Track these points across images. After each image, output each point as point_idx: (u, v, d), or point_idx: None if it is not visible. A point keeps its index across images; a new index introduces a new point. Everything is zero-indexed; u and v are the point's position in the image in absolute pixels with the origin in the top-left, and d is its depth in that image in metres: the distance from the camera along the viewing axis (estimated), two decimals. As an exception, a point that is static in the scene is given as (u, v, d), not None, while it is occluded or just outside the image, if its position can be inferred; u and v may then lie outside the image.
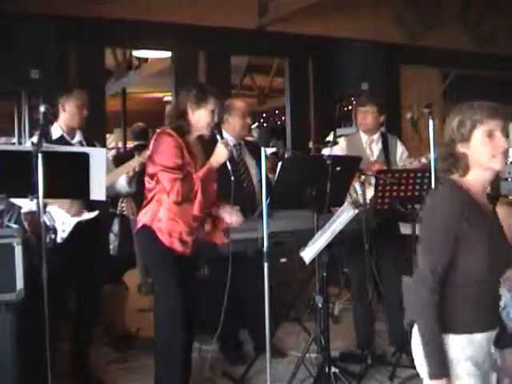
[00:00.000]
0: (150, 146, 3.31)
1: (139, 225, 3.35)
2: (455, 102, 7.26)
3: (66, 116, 3.81)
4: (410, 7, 6.59)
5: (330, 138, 3.61)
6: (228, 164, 3.39)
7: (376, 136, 4.35)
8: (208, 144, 3.50)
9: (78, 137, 3.87)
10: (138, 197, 4.76)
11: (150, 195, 3.32)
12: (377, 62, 5.85)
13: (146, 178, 3.35)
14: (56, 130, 3.82)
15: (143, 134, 5.85)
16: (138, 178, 3.82)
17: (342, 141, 4.42)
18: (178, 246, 3.29)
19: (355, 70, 5.74)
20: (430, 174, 3.87)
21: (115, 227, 5.49)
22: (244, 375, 3.93)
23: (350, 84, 5.79)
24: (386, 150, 4.32)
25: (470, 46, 6.89)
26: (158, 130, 3.32)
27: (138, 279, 4.59)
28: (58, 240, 3.46)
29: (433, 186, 3.84)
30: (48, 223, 3.41)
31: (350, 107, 7.05)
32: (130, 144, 8.76)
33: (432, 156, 3.87)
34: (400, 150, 4.34)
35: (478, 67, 6.99)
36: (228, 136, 4.12)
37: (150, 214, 3.29)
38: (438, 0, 6.66)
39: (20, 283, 3.10)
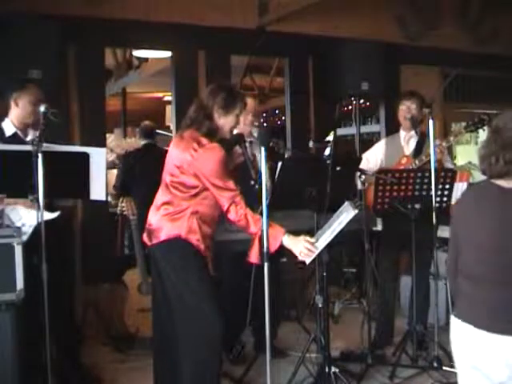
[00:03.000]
0: (195, 158, 3.10)
1: (170, 234, 3.16)
2: (455, 102, 7.29)
3: (19, 112, 3.67)
4: (410, 7, 6.58)
5: (330, 137, 3.62)
6: (251, 171, 3.36)
7: (414, 132, 4.35)
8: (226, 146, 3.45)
9: (32, 135, 3.69)
10: (138, 196, 4.80)
11: (183, 204, 3.17)
12: (377, 61, 5.85)
13: (176, 185, 3.18)
14: (8, 127, 3.68)
15: (152, 133, 5.84)
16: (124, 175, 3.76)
17: (381, 142, 4.58)
18: (207, 252, 3.23)
19: (355, 69, 5.73)
20: (430, 173, 3.87)
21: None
22: (244, 375, 3.94)
23: (350, 84, 5.79)
24: (419, 146, 4.33)
25: (470, 46, 6.88)
26: (203, 141, 3.13)
27: (138, 279, 4.60)
28: None
29: (433, 185, 3.86)
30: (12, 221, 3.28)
31: (349, 107, 7.05)
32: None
33: (432, 155, 3.88)
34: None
35: (478, 67, 6.98)
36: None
37: (185, 225, 3.13)
38: (438, 0, 6.66)
39: (20, 283, 3.09)
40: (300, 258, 3.15)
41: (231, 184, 3.14)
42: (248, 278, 3.91)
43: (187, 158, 3.13)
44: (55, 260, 3.55)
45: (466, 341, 2.17)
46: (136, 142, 3.65)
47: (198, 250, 3.16)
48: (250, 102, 4.25)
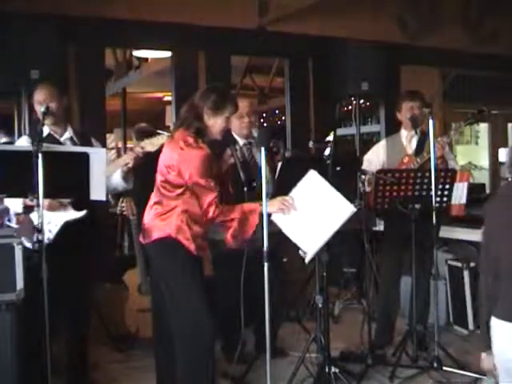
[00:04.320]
0: (180, 156, 3.16)
1: (161, 234, 3.19)
2: (455, 102, 7.29)
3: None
4: (410, 7, 6.59)
5: (330, 137, 3.61)
6: (241, 173, 3.36)
7: (414, 131, 4.34)
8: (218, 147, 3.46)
9: (68, 133, 3.76)
10: (138, 196, 4.79)
11: (171, 203, 3.20)
12: (377, 61, 5.85)
13: (164, 185, 3.23)
14: (46, 128, 3.70)
15: (149, 134, 5.83)
16: (136, 173, 3.76)
17: (381, 143, 4.58)
18: (199, 252, 3.24)
19: (355, 69, 5.74)
20: (430, 173, 3.87)
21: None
22: (244, 375, 3.93)
23: (350, 84, 5.79)
24: (420, 144, 4.32)
25: (470, 46, 6.88)
26: (189, 141, 3.17)
27: (138, 279, 4.60)
28: (45, 241, 3.25)
29: (433, 185, 3.86)
30: (35, 223, 3.32)
31: (349, 107, 7.05)
32: (131, 144, 8.79)
33: (432, 155, 3.88)
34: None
35: (478, 67, 6.99)
36: (236, 136, 4.13)
37: (174, 224, 3.17)
38: (438, 0, 6.66)
39: (20, 283, 3.10)
40: (278, 216, 3.25)
41: (213, 185, 3.17)
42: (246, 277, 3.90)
43: (174, 157, 3.19)
44: (74, 262, 3.59)
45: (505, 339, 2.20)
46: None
47: (188, 249, 3.18)
48: (244, 104, 4.24)
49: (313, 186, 3.28)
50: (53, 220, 3.51)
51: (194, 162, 3.15)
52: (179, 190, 3.20)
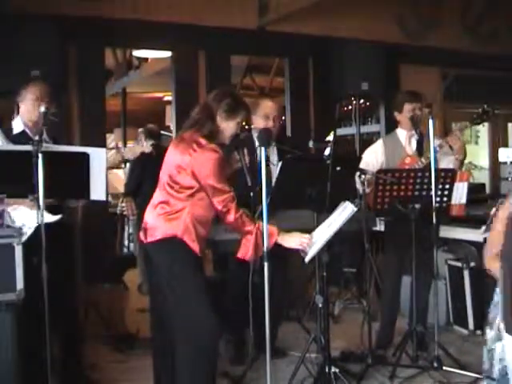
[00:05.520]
0: (193, 158, 3.12)
1: (166, 234, 3.17)
2: (455, 102, 7.29)
3: (24, 109, 3.65)
4: (410, 7, 6.59)
5: (330, 137, 3.61)
6: (248, 178, 3.36)
7: (414, 131, 4.35)
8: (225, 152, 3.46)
9: (43, 135, 3.59)
10: (138, 196, 4.80)
11: (179, 204, 3.18)
12: (377, 62, 5.86)
13: (172, 185, 3.20)
14: (17, 124, 3.66)
15: (157, 134, 5.87)
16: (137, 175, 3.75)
17: (378, 143, 4.53)
18: (202, 253, 3.25)
19: (355, 69, 5.75)
20: (430, 173, 3.87)
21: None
22: (244, 375, 3.93)
23: (350, 84, 5.79)
24: (420, 145, 4.32)
25: (470, 46, 6.89)
26: (202, 143, 3.14)
27: (138, 279, 4.60)
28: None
29: (433, 185, 3.86)
30: (10, 224, 3.22)
31: (349, 107, 7.05)
32: (130, 144, 8.81)
33: (432, 155, 3.88)
34: (436, 143, 4.26)
35: (478, 67, 6.99)
36: (255, 136, 4.12)
37: (181, 225, 3.15)
38: (438, 0, 6.66)
39: (20, 283, 3.09)
40: (299, 247, 3.24)
41: (226, 186, 3.17)
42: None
43: (186, 159, 3.15)
44: (56, 260, 3.53)
45: None
46: (147, 147, 3.62)
47: (193, 250, 3.17)
48: (274, 106, 4.20)
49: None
50: (26, 222, 3.38)
51: (207, 164, 3.12)
52: (189, 192, 3.17)
